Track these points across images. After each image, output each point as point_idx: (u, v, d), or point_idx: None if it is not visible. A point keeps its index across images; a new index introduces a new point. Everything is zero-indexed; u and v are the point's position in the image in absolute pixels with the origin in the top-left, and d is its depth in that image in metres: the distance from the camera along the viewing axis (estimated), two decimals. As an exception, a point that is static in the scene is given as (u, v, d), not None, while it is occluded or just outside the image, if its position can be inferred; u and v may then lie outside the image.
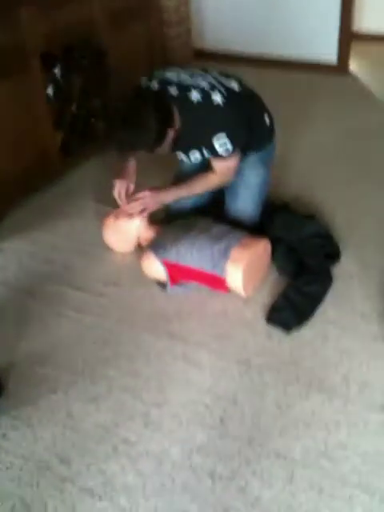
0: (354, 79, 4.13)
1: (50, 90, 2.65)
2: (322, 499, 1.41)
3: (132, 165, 2.23)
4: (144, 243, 2.19)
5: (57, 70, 2.66)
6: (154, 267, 2.05)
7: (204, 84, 2.00)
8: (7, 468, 1.51)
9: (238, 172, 2.15)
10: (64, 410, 1.66)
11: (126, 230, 2.19)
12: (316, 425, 1.59)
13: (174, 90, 1.98)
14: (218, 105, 1.96)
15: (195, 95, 1.97)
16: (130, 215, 2.17)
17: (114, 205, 2.26)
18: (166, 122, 1.89)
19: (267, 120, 2.22)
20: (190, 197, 2.21)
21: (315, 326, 1.92)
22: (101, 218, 2.42)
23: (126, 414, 1.64)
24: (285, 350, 1.83)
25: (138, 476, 1.48)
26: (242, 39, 4.16)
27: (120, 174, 2.22)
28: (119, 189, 2.18)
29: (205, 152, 2.05)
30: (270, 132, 2.27)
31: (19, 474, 1.49)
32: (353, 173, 2.85)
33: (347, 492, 1.43)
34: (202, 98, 1.97)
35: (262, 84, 2.01)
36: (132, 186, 2.20)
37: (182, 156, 2.16)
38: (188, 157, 2.12)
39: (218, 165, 2.08)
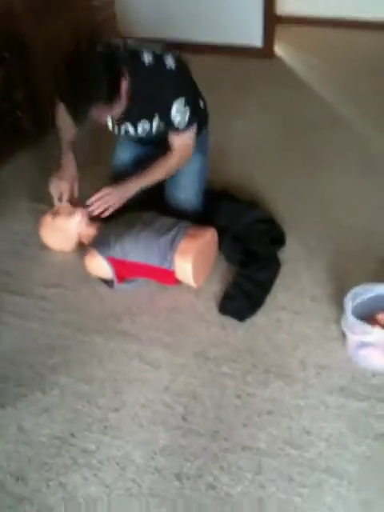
0: (280, 62, 4.15)
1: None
2: (292, 488, 1.40)
3: (72, 161, 2.10)
4: (85, 241, 2.09)
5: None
6: (99, 265, 1.96)
7: (153, 49, 1.89)
8: None
9: None
10: (14, 424, 1.55)
11: (66, 228, 2.08)
12: (278, 412, 1.58)
13: (122, 53, 1.84)
14: (171, 69, 1.86)
15: (147, 57, 1.86)
16: (97, 215, 2.01)
17: (48, 202, 2.15)
18: (117, 73, 1.74)
19: (201, 103, 2.17)
20: (152, 185, 2.08)
21: (267, 312, 1.90)
22: (36, 216, 2.29)
23: (83, 422, 1.55)
24: (240, 338, 1.80)
25: (101, 485, 1.40)
26: (167, 25, 4.08)
27: (59, 172, 2.09)
28: (60, 190, 2.05)
29: (157, 122, 1.94)
30: (204, 116, 2.22)
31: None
32: (287, 157, 2.84)
33: (316, 478, 1.42)
34: (155, 60, 1.86)
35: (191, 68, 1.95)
36: (76, 187, 2.09)
37: (128, 127, 2.02)
38: (135, 129, 2.00)
39: (176, 140, 1.98)
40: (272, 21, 4.06)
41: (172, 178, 2.15)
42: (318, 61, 4.13)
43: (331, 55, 4.23)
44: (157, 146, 2.07)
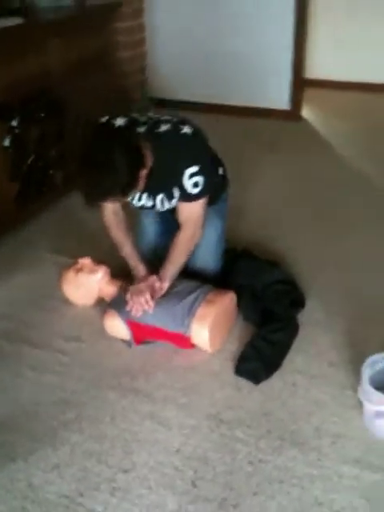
0: (306, 125, 4.25)
1: (6, 142, 2.59)
2: None
3: (143, 271, 2.05)
4: (106, 297, 2.13)
5: (14, 122, 2.61)
6: (118, 327, 1.98)
7: (172, 119, 1.92)
8: None
9: None
10: (24, 479, 1.54)
11: (88, 284, 2.13)
12: (290, 481, 1.54)
13: (142, 128, 1.88)
14: (187, 134, 1.87)
15: (164, 127, 1.87)
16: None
17: (72, 256, 2.20)
18: (137, 161, 1.75)
19: (221, 169, 2.19)
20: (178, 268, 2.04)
21: (284, 375, 1.88)
22: (58, 269, 2.35)
23: (91, 482, 1.54)
24: (255, 402, 1.78)
25: None
26: (196, 88, 4.24)
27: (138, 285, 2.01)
28: (145, 297, 1.95)
29: (174, 192, 1.93)
30: (223, 182, 2.23)
31: None
32: (309, 219, 2.88)
33: None
34: (172, 128, 1.87)
35: (215, 130, 2.00)
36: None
37: (147, 202, 2.02)
38: (154, 201, 2.01)
39: (185, 210, 1.96)
40: (300, 84, 4.19)
41: None
42: (343, 123, 4.22)
43: (356, 118, 4.33)
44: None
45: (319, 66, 4.78)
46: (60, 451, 1.62)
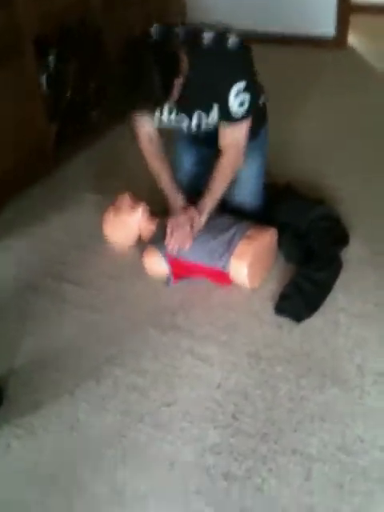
0: (353, 53, 4.02)
1: (43, 80, 2.54)
2: (341, 496, 1.36)
3: (181, 201, 2.01)
4: (146, 235, 2.12)
5: (51, 58, 2.55)
6: (157, 263, 1.98)
7: (216, 26, 1.79)
8: (13, 481, 1.45)
9: None
10: (69, 413, 1.59)
11: (127, 224, 2.11)
12: (331, 418, 1.53)
13: (181, 34, 1.75)
14: (233, 48, 1.72)
15: (208, 36, 1.72)
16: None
17: (112, 195, 2.19)
18: (172, 71, 1.64)
19: (262, 97, 2.06)
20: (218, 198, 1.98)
21: (326, 314, 1.85)
22: (99, 209, 2.34)
23: (135, 414, 1.58)
24: (295, 340, 1.77)
25: (149, 481, 1.42)
26: (237, 15, 4.01)
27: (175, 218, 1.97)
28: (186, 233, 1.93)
29: (214, 109, 1.81)
30: (264, 114, 2.13)
31: (25, 488, 1.43)
32: (359, 153, 2.75)
33: (368, 487, 1.37)
34: (216, 39, 1.73)
35: (258, 60, 1.88)
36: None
37: (184, 119, 1.89)
38: (190, 119, 1.87)
39: (228, 134, 1.85)
40: (346, 8, 3.93)
41: None
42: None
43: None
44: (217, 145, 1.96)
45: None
46: (103, 385, 1.66)
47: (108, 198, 2.41)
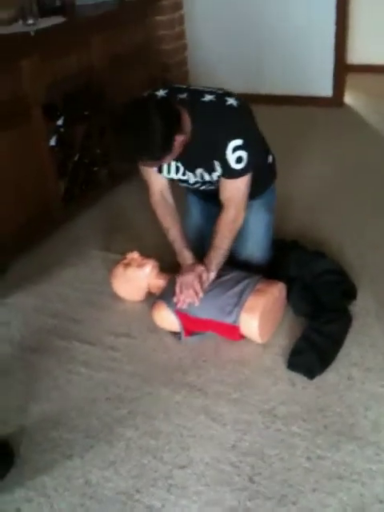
0: (349, 110, 4.15)
1: (52, 141, 2.62)
2: None
3: (190, 260, 2.01)
4: (155, 291, 2.12)
5: (60, 121, 2.63)
6: (167, 318, 1.97)
7: (217, 90, 1.86)
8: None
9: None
10: (81, 476, 1.55)
11: (136, 279, 2.12)
12: (349, 477, 1.49)
13: (184, 95, 1.82)
14: (232, 105, 1.79)
15: (208, 97, 1.80)
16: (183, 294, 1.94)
17: (119, 252, 2.20)
18: (173, 125, 1.69)
19: (270, 158, 2.14)
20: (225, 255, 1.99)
21: (339, 369, 1.83)
22: (107, 265, 2.36)
23: (148, 478, 1.53)
24: (310, 396, 1.74)
25: (166, 547, 1.37)
26: (238, 79, 4.20)
27: (183, 274, 1.97)
28: (194, 288, 1.93)
29: (215, 165, 1.84)
30: (273, 172, 2.19)
31: None
32: (355, 206, 2.81)
33: None
34: (216, 99, 1.80)
35: (258, 120, 1.94)
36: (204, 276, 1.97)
37: (188, 175, 1.95)
38: (194, 175, 1.93)
39: (228, 188, 1.88)
40: (342, 70, 4.09)
41: (239, 235, 2.03)
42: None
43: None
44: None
45: (361, 51, 4.65)
46: (116, 448, 1.62)
47: (114, 254, 2.44)
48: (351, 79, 4.33)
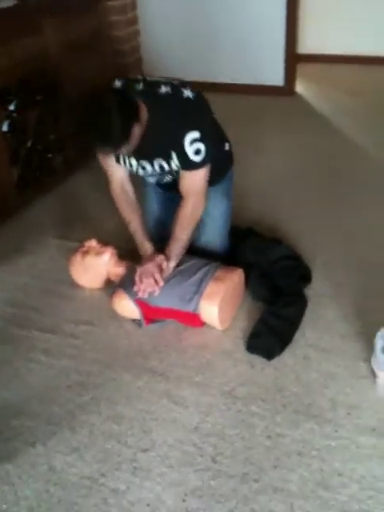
0: (300, 99, 4.22)
1: (5, 127, 2.55)
2: (325, 532, 1.37)
3: (149, 250, 2.03)
4: (114, 279, 2.12)
5: (12, 106, 2.57)
6: (127, 307, 1.98)
7: (172, 81, 1.88)
8: (-11, 535, 1.40)
9: None
10: (45, 463, 1.55)
11: (95, 267, 2.11)
12: (309, 453, 1.55)
13: (139, 86, 1.84)
14: (189, 98, 1.82)
15: (164, 88, 1.82)
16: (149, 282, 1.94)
17: (77, 240, 2.19)
18: (131, 115, 1.72)
19: (227, 145, 2.17)
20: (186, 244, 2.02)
21: (296, 350, 1.89)
22: (64, 253, 2.34)
23: (112, 462, 1.55)
24: (268, 377, 1.79)
25: (132, 528, 1.39)
26: (191, 67, 4.21)
27: (143, 264, 1.98)
28: (153, 275, 1.94)
29: (173, 158, 1.86)
30: (230, 158, 2.22)
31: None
32: (309, 192, 2.88)
33: (349, 522, 1.39)
34: (172, 90, 1.83)
35: (212, 108, 1.97)
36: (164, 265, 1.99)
37: (145, 166, 1.95)
38: (152, 166, 1.94)
39: (187, 180, 1.90)
40: (293, 60, 4.16)
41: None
42: (338, 96, 4.21)
43: (350, 91, 4.31)
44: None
45: (312, 41, 4.73)
46: (79, 434, 1.63)
47: (72, 242, 2.42)
48: (302, 69, 4.41)
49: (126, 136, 1.72)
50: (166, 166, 1.93)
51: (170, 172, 1.97)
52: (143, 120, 1.78)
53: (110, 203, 2.12)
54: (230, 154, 2.21)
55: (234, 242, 2.29)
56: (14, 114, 2.58)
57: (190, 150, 1.83)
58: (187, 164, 1.87)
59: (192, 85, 1.90)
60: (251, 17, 4.04)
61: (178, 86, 1.86)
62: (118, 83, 1.88)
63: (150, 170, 1.97)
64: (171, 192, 2.12)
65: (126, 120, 1.70)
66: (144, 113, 1.79)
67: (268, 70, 4.19)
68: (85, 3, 3.04)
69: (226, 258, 2.19)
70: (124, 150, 1.79)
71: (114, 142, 1.72)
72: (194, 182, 1.92)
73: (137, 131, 1.75)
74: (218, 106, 2.05)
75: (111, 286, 2.13)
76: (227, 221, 2.22)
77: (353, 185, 2.92)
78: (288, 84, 4.21)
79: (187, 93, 1.84)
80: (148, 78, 1.92)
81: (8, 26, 2.49)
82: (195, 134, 1.81)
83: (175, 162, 1.89)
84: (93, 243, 2.14)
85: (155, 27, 4.12)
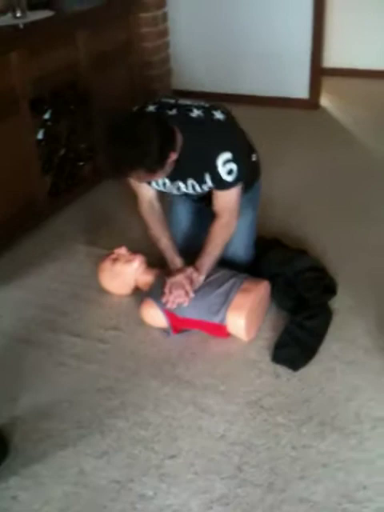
0: (325, 113, 4.24)
1: (40, 135, 2.62)
2: (350, 545, 1.38)
3: (179, 265, 2.07)
4: (143, 286, 2.16)
5: (47, 116, 2.64)
6: (155, 316, 2.01)
7: (203, 104, 1.93)
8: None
9: None
10: (75, 465, 1.58)
11: (124, 274, 2.15)
12: (334, 465, 1.56)
13: (173, 111, 1.89)
14: (220, 120, 1.88)
15: (196, 112, 1.88)
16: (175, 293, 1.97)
17: (105, 247, 2.23)
18: (168, 141, 1.77)
19: (254, 156, 2.20)
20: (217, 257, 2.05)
21: (321, 361, 1.90)
22: (93, 260, 2.39)
23: (140, 467, 1.57)
24: (294, 388, 1.81)
25: (159, 533, 1.42)
26: (218, 79, 4.26)
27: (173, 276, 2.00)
28: (184, 287, 1.96)
29: (206, 178, 1.91)
30: (256, 169, 2.25)
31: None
32: (334, 206, 2.89)
33: (375, 535, 1.40)
34: (204, 113, 1.88)
35: (238, 120, 2.01)
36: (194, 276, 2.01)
37: (179, 185, 2.00)
38: (186, 186, 1.98)
39: (221, 199, 1.96)
40: (318, 73, 4.18)
41: None
42: (362, 111, 4.21)
43: (375, 106, 4.30)
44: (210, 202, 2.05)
45: (337, 55, 4.75)
46: (108, 438, 1.66)
47: (100, 249, 2.47)
48: (327, 82, 4.43)
49: (162, 161, 1.77)
50: (197, 187, 1.98)
51: (201, 190, 2.01)
52: (178, 146, 1.83)
53: (136, 212, 2.16)
54: (257, 164, 2.24)
55: (260, 252, 2.31)
56: (49, 123, 2.65)
57: (222, 170, 1.88)
58: (221, 184, 1.93)
59: (222, 105, 1.96)
60: (277, 30, 4.07)
61: (209, 108, 1.92)
62: (151, 107, 1.92)
63: (184, 189, 2.03)
64: (200, 203, 2.16)
65: (165, 145, 1.75)
66: (179, 139, 1.84)
67: (293, 82, 4.22)
68: (117, 15, 3.10)
69: (251, 267, 2.21)
70: (158, 176, 1.85)
71: (151, 164, 1.75)
72: (228, 200, 1.98)
73: (172, 158, 1.80)
74: (243, 117, 2.08)
75: (139, 293, 2.17)
76: (252, 232, 2.26)
77: (377, 199, 2.92)
78: (313, 97, 4.23)
79: (218, 115, 1.90)
80: (180, 102, 1.96)
81: (43, 36, 2.56)
82: (227, 155, 1.86)
83: (208, 184, 1.94)
84: (122, 251, 2.18)
85: (183, 39, 4.18)
